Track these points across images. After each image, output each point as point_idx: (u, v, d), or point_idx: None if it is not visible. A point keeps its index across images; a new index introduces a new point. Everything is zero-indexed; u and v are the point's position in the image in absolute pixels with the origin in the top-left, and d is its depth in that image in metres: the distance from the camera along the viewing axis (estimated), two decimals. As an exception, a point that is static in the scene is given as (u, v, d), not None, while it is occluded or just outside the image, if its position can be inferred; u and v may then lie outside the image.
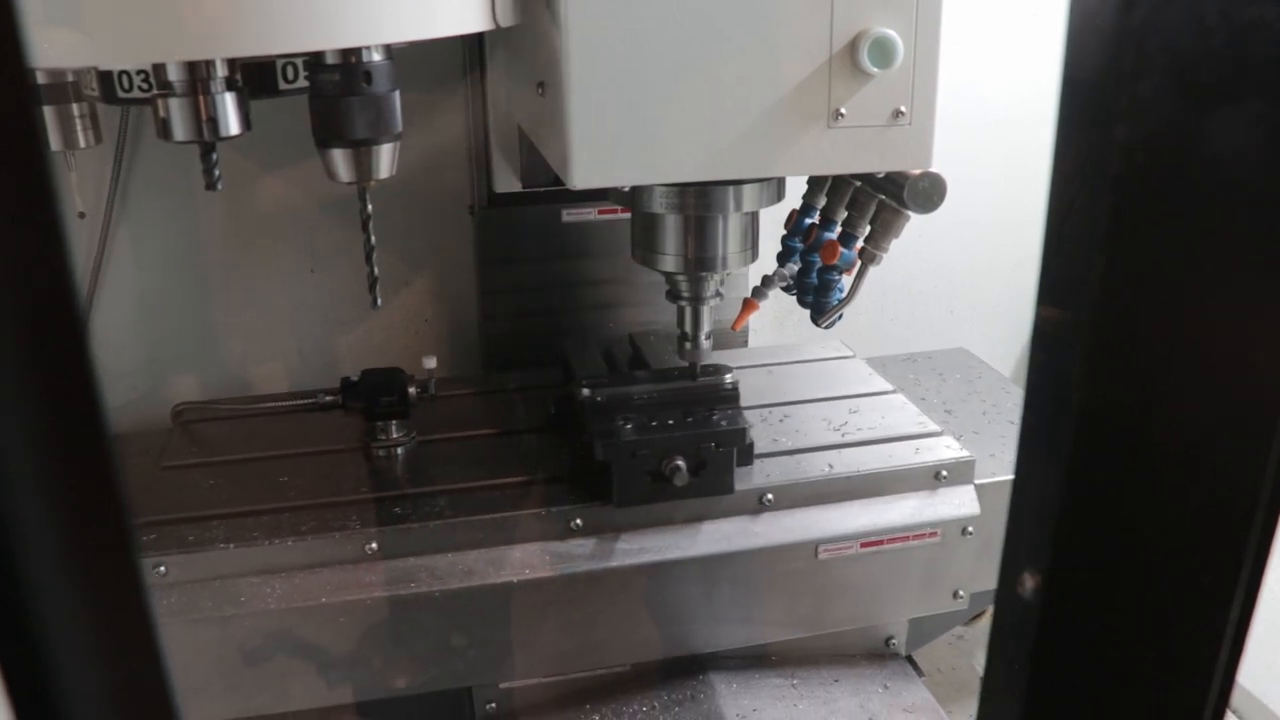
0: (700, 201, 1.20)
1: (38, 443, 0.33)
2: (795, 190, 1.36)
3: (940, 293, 2.09)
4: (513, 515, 1.28)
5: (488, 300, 1.71)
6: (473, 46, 1.59)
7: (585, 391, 1.32)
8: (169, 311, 1.69)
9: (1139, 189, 0.37)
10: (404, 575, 1.24)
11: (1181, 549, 0.42)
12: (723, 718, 1.33)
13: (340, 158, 1.17)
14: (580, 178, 1.07)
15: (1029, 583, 0.43)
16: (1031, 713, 0.45)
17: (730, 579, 1.33)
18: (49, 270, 0.32)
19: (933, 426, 1.48)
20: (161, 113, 1.14)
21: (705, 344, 1.32)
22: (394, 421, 1.42)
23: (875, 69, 1.07)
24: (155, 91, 1.14)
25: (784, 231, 1.42)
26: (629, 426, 1.28)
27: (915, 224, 1.26)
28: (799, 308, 1.42)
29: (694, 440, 1.27)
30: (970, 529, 1.39)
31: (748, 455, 1.36)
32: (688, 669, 1.40)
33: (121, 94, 1.23)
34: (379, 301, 1.36)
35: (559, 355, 1.59)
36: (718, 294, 1.31)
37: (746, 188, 1.21)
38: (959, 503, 1.39)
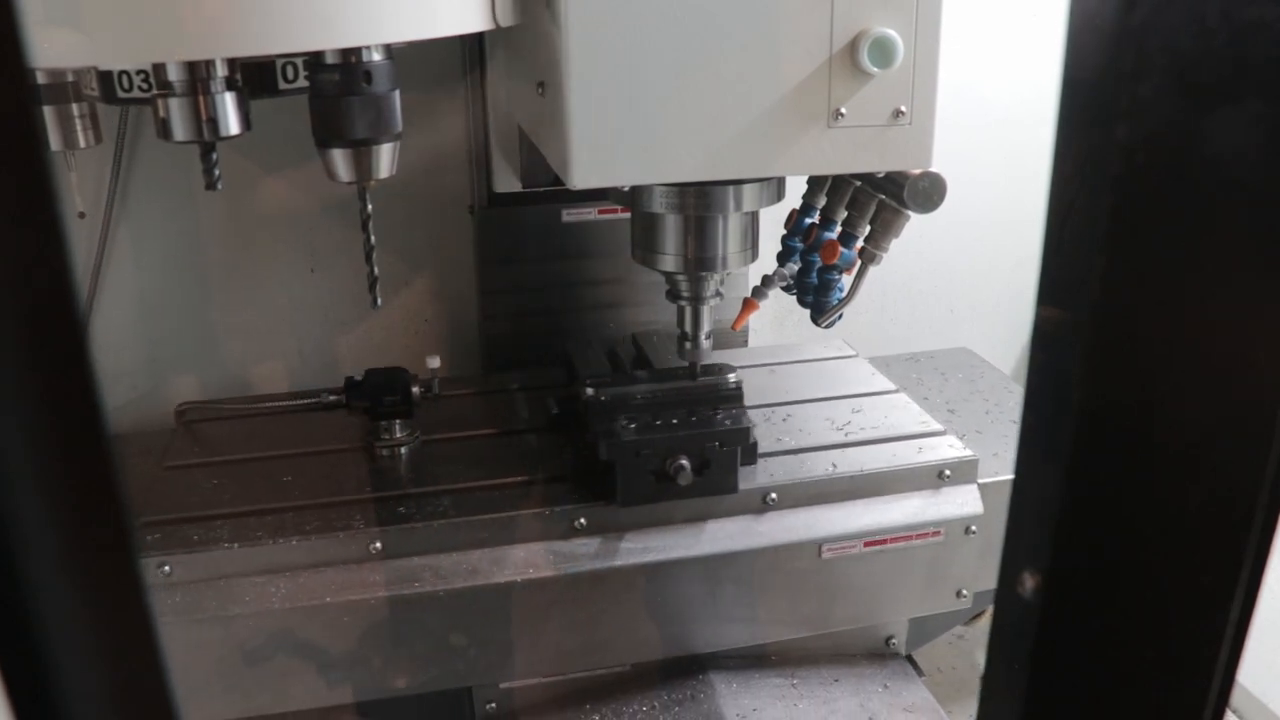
0: (700, 201, 1.20)
1: (38, 443, 0.34)
2: (795, 190, 1.36)
3: (940, 293, 2.09)
4: (516, 515, 1.28)
5: (488, 300, 1.71)
6: (473, 46, 1.59)
7: (589, 391, 1.32)
8: (169, 311, 1.69)
9: (1139, 189, 0.37)
10: (408, 575, 1.24)
11: (1181, 549, 0.42)
12: (723, 718, 1.33)
13: (340, 158, 1.17)
14: (580, 178, 1.07)
15: (1029, 583, 0.43)
16: (1031, 713, 0.45)
17: (734, 578, 1.33)
18: (49, 270, 0.32)
19: (936, 426, 1.48)
20: (161, 113, 1.14)
21: (705, 344, 1.32)
22: (397, 421, 1.42)
23: (875, 69, 1.07)
24: (155, 91, 1.14)
25: (784, 231, 1.42)
26: (632, 426, 1.28)
27: (915, 224, 1.26)
28: (799, 308, 1.42)
29: (698, 440, 1.27)
30: (973, 528, 1.39)
31: (751, 454, 1.36)
32: (688, 669, 1.40)
33: (121, 94, 1.23)
34: (379, 301, 1.36)
35: (560, 355, 1.59)
36: (718, 294, 1.31)
37: (746, 187, 1.21)
38: (962, 502, 1.40)
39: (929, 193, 1.19)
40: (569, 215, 1.65)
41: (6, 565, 0.34)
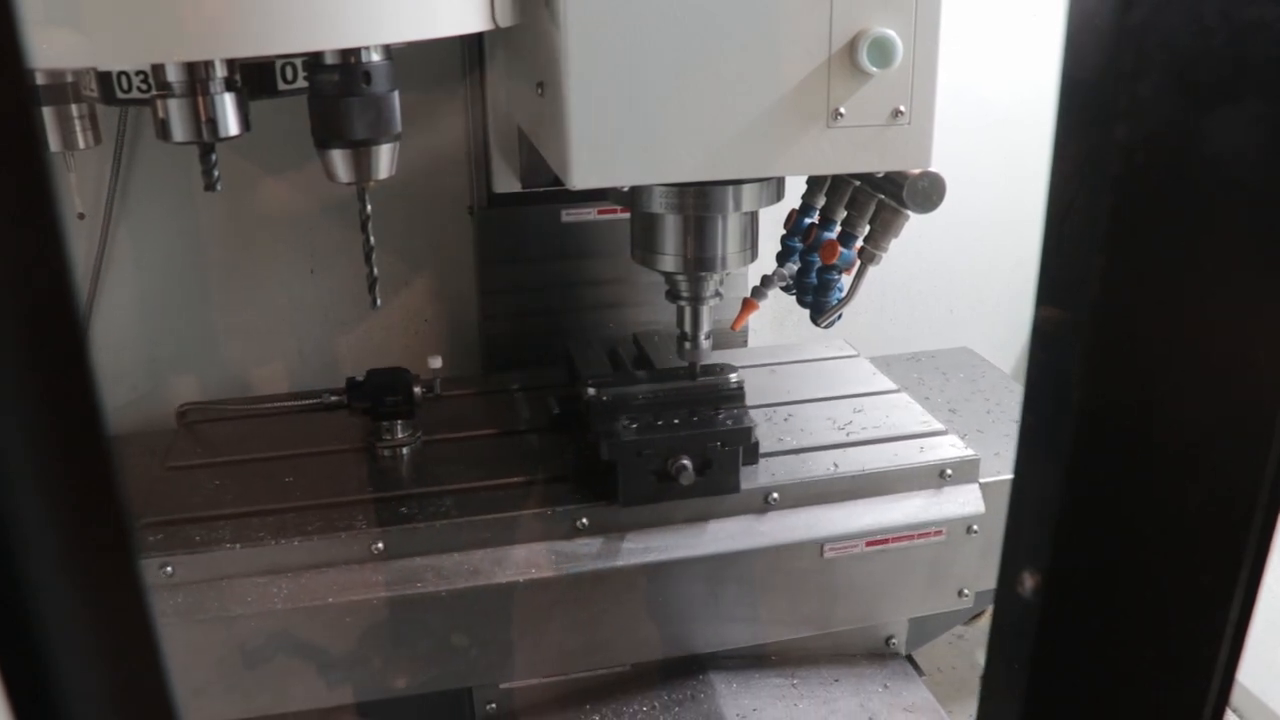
0: (700, 201, 1.20)
1: (38, 443, 0.34)
2: (795, 190, 1.36)
3: (940, 293, 2.09)
4: (518, 515, 1.28)
5: (487, 300, 1.71)
6: (472, 46, 1.59)
7: (591, 391, 1.32)
8: (169, 312, 1.69)
9: (1139, 189, 0.37)
10: (410, 575, 1.24)
11: (1181, 549, 0.42)
12: (723, 718, 1.33)
13: (340, 158, 1.17)
14: (580, 178, 1.07)
15: (1029, 582, 0.43)
16: (1031, 713, 0.45)
17: (736, 578, 1.33)
18: (49, 270, 0.32)
19: (937, 425, 1.48)
20: (161, 113, 1.14)
21: (705, 344, 1.33)
22: (399, 421, 1.42)
23: (875, 69, 1.07)
24: (154, 92, 1.14)
25: (783, 231, 1.42)
26: (634, 426, 1.28)
27: (915, 224, 1.26)
28: (798, 308, 1.42)
29: (699, 439, 1.27)
30: (975, 527, 1.39)
31: (753, 454, 1.36)
32: (688, 669, 1.40)
33: (121, 95, 1.23)
34: (379, 302, 1.36)
35: (560, 355, 1.59)
36: (717, 294, 1.31)
37: (746, 187, 1.21)
38: (964, 501, 1.40)
39: (928, 193, 1.19)
40: (569, 215, 1.65)
41: (6, 565, 0.34)
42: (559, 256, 1.68)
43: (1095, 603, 0.43)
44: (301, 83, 1.29)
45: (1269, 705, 1.78)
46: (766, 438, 1.43)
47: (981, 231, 2.02)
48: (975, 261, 2.07)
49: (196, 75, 1.13)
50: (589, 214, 1.65)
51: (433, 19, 1.06)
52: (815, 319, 1.37)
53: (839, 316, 1.36)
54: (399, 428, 1.42)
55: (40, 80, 1.27)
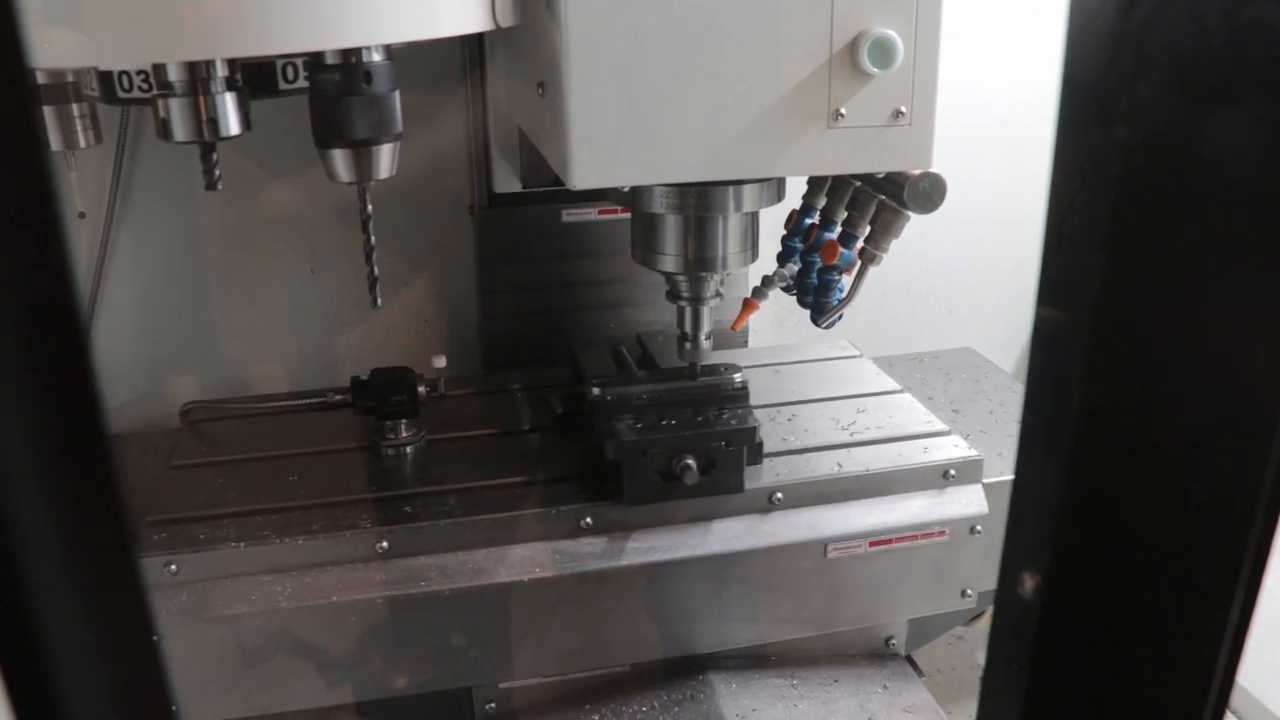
0: (700, 202, 1.20)
1: (38, 443, 0.34)
2: (795, 190, 1.36)
3: (940, 293, 2.09)
4: (522, 514, 1.28)
5: (488, 300, 1.72)
6: (473, 47, 1.59)
7: (595, 391, 1.32)
8: (169, 311, 1.69)
9: (1139, 189, 0.37)
10: (414, 574, 1.24)
11: (1181, 549, 0.42)
12: (723, 718, 1.33)
13: (340, 158, 1.17)
14: (580, 178, 1.07)
15: (1029, 583, 0.43)
16: (1031, 713, 0.45)
17: (740, 578, 1.33)
18: (49, 270, 0.32)
19: (940, 426, 1.48)
20: (161, 113, 1.14)
21: (705, 344, 1.33)
22: (403, 420, 1.42)
23: (875, 69, 1.07)
24: (155, 92, 1.14)
25: (784, 231, 1.42)
26: (638, 425, 1.28)
27: (915, 224, 1.26)
28: (799, 308, 1.42)
29: (704, 439, 1.27)
30: (978, 528, 1.39)
31: (757, 454, 1.36)
32: (688, 669, 1.40)
33: (121, 94, 1.23)
34: (379, 302, 1.36)
35: (561, 355, 1.59)
36: (718, 294, 1.31)
37: (746, 188, 1.21)
38: (967, 501, 1.40)
39: (929, 193, 1.19)
40: (569, 215, 1.65)
41: (6, 565, 0.34)
42: (559, 256, 1.68)
43: (1095, 603, 0.43)
44: (302, 82, 1.29)
45: (1269, 707, 1.78)
46: (770, 438, 1.43)
47: (982, 231, 2.02)
48: (976, 261, 2.06)
49: (197, 75, 1.13)
50: (589, 214, 1.65)
51: (433, 19, 1.07)
52: (816, 319, 1.37)
53: (840, 317, 1.36)
54: (403, 427, 1.42)
55: (41, 79, 1.27)
